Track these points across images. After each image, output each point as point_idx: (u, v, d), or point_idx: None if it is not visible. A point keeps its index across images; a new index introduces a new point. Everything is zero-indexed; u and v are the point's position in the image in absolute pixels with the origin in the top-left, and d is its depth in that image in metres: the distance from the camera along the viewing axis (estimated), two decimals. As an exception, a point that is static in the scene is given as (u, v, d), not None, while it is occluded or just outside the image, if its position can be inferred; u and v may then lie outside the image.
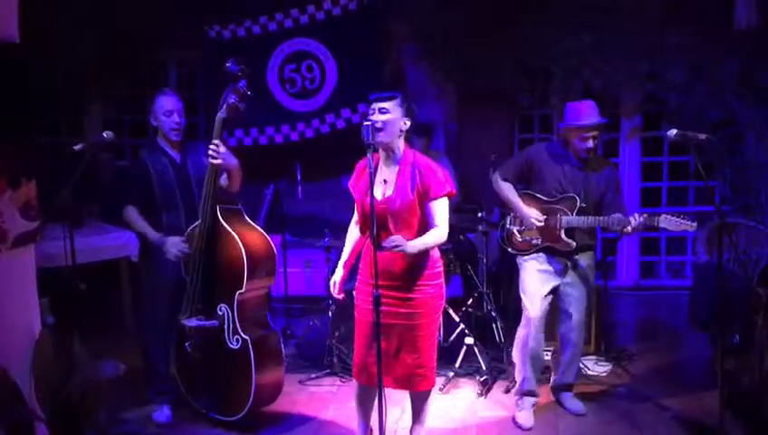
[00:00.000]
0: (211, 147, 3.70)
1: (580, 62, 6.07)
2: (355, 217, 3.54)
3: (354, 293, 3.48)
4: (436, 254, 3.35)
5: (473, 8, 6.01)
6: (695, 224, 3.61)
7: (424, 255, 3.27)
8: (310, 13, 5.95)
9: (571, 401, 4.15)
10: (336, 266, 3.59)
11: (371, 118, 3.17)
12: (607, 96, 6.32)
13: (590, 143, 3.87)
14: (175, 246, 3.85)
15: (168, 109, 3.94)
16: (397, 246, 3.08)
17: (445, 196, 3.26)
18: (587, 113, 3.87)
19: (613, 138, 6.61)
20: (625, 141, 6.57)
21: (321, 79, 6.07)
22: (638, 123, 6.52)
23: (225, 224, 3.76)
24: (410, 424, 3.62)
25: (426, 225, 3.26)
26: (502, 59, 6.10)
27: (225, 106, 3.73)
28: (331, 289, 3.57)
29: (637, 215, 3.71)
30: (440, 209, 3.25)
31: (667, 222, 3.65)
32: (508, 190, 4.07)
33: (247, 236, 3.79)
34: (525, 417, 3.99)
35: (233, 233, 3.73)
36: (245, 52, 6.00)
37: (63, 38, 6.01)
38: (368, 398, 3.51)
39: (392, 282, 3.24)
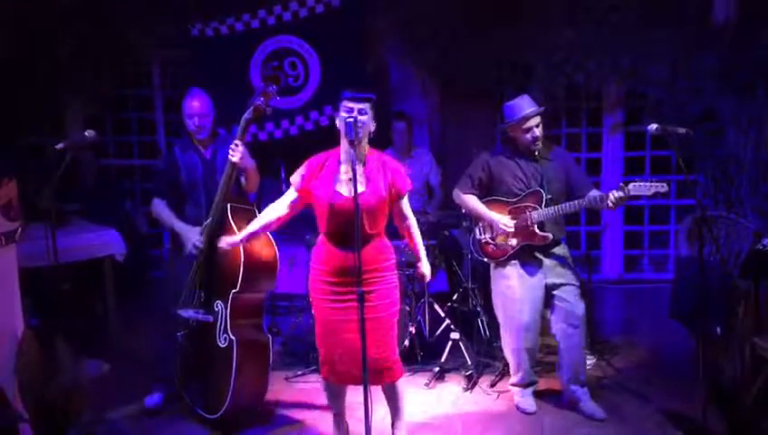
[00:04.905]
0: (232, 145, 3.80)
1: (563, 58, 6.09)
2: (283, 200, 3.51)
3: (310, 292, 3.47)
4: (388, 247, 3.42)
5: (456, 4, 6.02)
6: (665, 185, 3.64)
7: (379, 250, 3.36)
8: (293, 10, 5.94)
9: (589, 405, 3.99)
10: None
11: (353, 115, 3.18)
12: (589, 91, 6.38)
13: (537, 132, 3.91)
14: (190, 241, 3.92)
15: (188, 113, 4.08)
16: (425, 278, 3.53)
17: (408, 191, 3.43)
18: (522, 106, 3.92)
19: (596, 132, 6.66)
20: (607, 136, 6.61)
21: (304, 76, 6.06)
22: (620, 118, 6.56)
23: (231, 222, 3.79)
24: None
25: (388, 220, 3.41)
26: (485, 55, 6.12)
27: (251, 107, 3.80)
28: (221, 243, 3.58)
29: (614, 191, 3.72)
30: (408, 205, 3.48)
31: (639, 189, 3.66)
32: (473, 201, 4.08)
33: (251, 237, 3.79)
34: (528, 402, 4.06)
35: (236, 231, 3.71)
36: (228, 49, 5.98)
37: (44, 37, 5.96)
38: (339, 394, 3.54)
39: (349, 278, 3.22)
